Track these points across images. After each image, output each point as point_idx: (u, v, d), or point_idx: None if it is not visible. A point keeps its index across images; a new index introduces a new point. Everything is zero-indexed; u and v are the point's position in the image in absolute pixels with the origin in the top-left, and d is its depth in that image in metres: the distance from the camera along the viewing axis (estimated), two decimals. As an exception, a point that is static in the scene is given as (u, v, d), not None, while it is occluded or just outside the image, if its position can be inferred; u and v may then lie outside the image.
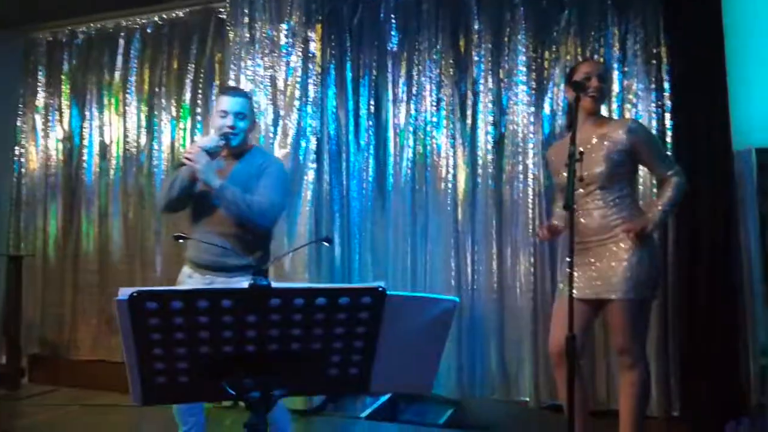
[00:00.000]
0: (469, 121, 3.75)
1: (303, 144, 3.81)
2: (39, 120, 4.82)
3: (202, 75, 4.36)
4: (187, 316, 1.23)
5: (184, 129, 4.40)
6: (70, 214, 4.65)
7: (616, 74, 3.43)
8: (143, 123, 4.51)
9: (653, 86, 3.37)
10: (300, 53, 3.85)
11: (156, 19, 4.54)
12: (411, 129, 3.86)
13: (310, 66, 3.85)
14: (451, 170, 3.75)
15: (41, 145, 4.80)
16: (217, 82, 4.26)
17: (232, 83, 3.93)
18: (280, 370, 1.30)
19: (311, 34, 3.86)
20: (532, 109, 3.61)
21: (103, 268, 4.50)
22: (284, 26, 3.89)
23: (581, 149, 2.20)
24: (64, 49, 4.79)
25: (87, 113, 4.68)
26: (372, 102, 3.97)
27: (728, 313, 3.02)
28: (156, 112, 4.48)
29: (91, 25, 4.71)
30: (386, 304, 1.28)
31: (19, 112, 4.87)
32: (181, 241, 2.22)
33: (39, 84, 4.83)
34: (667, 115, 3.32)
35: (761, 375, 2.44)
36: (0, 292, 4.53)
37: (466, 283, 3.66)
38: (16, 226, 4.80)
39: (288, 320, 1.27)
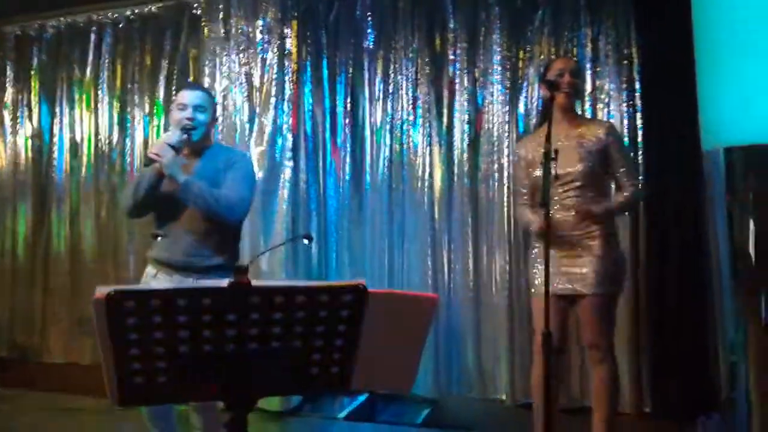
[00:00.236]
0: (445, 119, 3.77)
1: (279, 142, 3.79)
2: (7, 116, 4.72)
3: (175, 71, 4.31)
4: (166, 315, 1.22)
5: (158, 126, 4.34)
6: (40, 214, 4.56)
7: (588, 74, 3.48)
8: (115, 120, 4.45)
9: (624, 86, 3.44)
10: (276, 50, 3.83)
11: (128, 13, 4.47)
12: (387, 127, 3.87)
13: (286, 63, 3.84)
14: (427, 169, 3.77)
15: (9, 143, 4.70)
16: (191, 79, 4.21)
17: (206, 80, 3.89)
18: (261, 370, 1.29)
19: (287, 31, 3.85)
20: (507, 107, 3.64)
21: (75, 268, 4.42)
22: (260, 22, 3.86)
23: (556, 148, 2.23)
24: (33, 43, 4.69)
25: (57, 110, 4.60)
26: (348, 100, 3.96)
27: (698, 310, 3.09)
28: (128, 109, 4.42)
29: (61, 19, 4.61)
30: (367, 301, 1.28)
31: (-13, 108, 4.76)
32: (159, 239, 2.19)
33: (7, 79, 4.73)
34: (638, 115, 3.39)
35: (730, 371, 2.50)
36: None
37: (443, 281, 3.69)
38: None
39: (268, 319, 1.27)
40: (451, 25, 3.76)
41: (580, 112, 3.40)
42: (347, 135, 3.95)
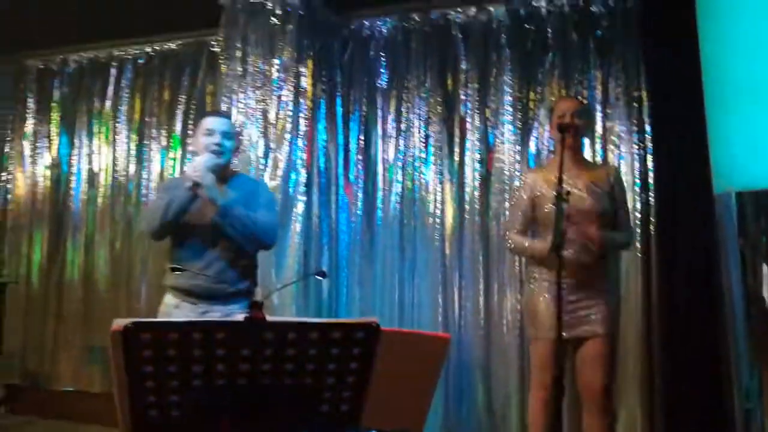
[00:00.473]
0: (456, 157, 3.81)
1: (293, 176, 3.84)
2: (27, 146, 4.82)
3: (193, 106, 4.40)
4: (181, 348, 1.24)
5: (174, 159, 4.42)
6: (56, 242, 4.62)
7: (599, 116, 3.52)
8: (133, 152, 4.53)
9: (635, 128, 3.46)
10: (291, 88, 3.90)
11: (148, 50, 4.59)
12: (400, 164, 3.92)
13: (301, 100, 3.91)
14: (438, 206, 3.80)
15: (29, 172, 4.79)
16: (209, 114, 4.30)
17: (223, 115, 3.97)
18: (272, 405, 1.30)
19: (303, 69, 3.93)
20: (518, 147, 3.68)
21: (88, 296, 4.45)
22: (276, 61, 3.95)
23: (568, 189, 2.25)
24: (55, 76, 4.82)
25: (76, 141, 4.69)
26: (361, 137, 4.03)
27: (711, 355, 3.05)
28: (146, 142, 4.50)
29: (83, 54, 4.74)
30: (380, 339, 1.30)
31: (8, 138, 4.86)
32: (177, 273, 2.20)
33: (28, 111, 4.83)
34: (649, 157, 3.41)
35: (745, 417, 2.46)
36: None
37: (453, 318, 3.67)
38: (0, 253, 4.74)
39: (281, 354, 1.28)
40: (463, 66, 3.83)
41: (591, 153, 3.46)
42: (360, 171, 4.01)
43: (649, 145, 3.42)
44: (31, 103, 4.84)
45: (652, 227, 3.33)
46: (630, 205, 3.33)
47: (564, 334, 2.40)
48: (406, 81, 3.95)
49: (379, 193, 3.95)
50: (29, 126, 4.83)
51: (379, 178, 3.97)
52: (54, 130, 4.77)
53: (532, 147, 3.67)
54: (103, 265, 4.45)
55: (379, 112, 4.01)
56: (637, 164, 3.42)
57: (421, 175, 3.87)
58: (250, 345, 1.26)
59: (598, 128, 3.51)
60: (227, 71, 4.03)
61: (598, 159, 3.47)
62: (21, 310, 4.58)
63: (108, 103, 4.63)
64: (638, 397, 3.18)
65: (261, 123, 3.93)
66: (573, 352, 2.53)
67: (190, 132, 4.38)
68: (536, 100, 3.70)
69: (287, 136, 3.85)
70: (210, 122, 2.46)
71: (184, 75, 4.46)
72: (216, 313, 2.30)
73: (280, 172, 3.83)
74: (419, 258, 3.79)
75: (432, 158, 3.86)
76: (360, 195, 3.99)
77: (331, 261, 3.89)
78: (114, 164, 4.56)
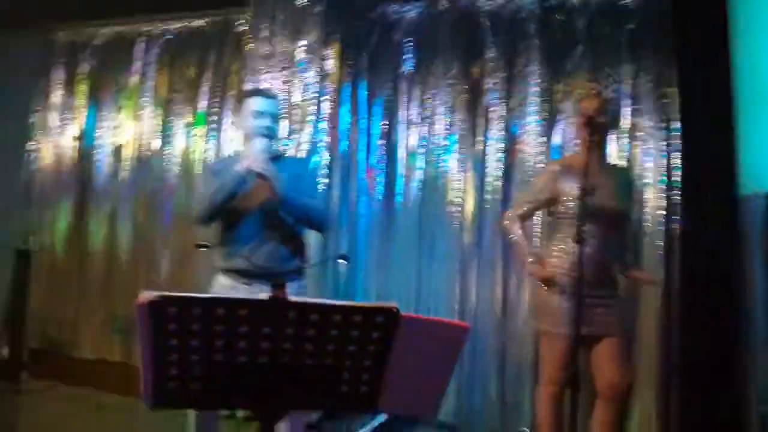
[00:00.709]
0: (479, 147, 3.79)
1: (315, 159, 3.85)
2: (55, 118, 4.88)
3: (218, 84, 4.42)
4: (205, 323, 1.26)
5: (198, 136, 4.46)
6: (80, 212, 4.69)
7: (628, 111, 3.47)
8: (157, 127, 4.57)
9: (663, 125, 3.42)
10: (317, 70, 3.90)
11: (176, 26, 4.61)
12: (422, 151, 3.91)
13: (326, 83, 3.91)
14: (459, 194, 3.79)
15: (55, 143, 4.86)
16: (233, 92, 4.32)
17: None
18: (292, 384, 1.32)
19: (328, 52, 3.93)
20: (543, 139, 3.65)
21: (109, 268, 4.53)
22: (303, 42, 3.95)
23: (594, 185, 2.24)
24: (83, 50, 4.86)
25: (102, 114, 4.74)
26: (385, 122, 4.02)
27: (729, 359, 3.02)
28: (171, 118, 4.54)
29: (112, 28, 4.78)
30: (399, 324, 1.31)
31: (36, 109, 4.92)
32: (204, 249, 2.22)
33: (57, 83, 4.89)
34: (676, 155, 3.36)
35: (762, 421, 2.44)
36: (7, 285, 4.55)
37: (470, 306, 3.68)
38: (26, 221, 4.83)
39: (302, 334, 1.30)
40: (490, 55, 3.80)
41: (617, 148, 3.42)
42: (382, 156, 4.00)
43: (677, 142, 3.37)
44: (59, 75, 4.89)
45: (675, 225, 3.30)
46: (654, 202, 3.31)
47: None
48: (431, 68, 3.93)
49: (401, 180, 3.94)
50: (57, 97, 4.88)
51: (401, 164, 3.96)
52: (81, 102, 4.83)
53: (557, 139, 3.64)
54: (125, 237, 4.52)
55: (404, 98, 3.99)
56: (664, 161, 3.38)
57: (443, 163, 3.86)
58: (272, 323, 1.28)
59: (626, 123, 3.47)
60: (253, 51, 4.04)
61: (624, 154, 3.43)
62: (45, 278, 4.68)
63: (134, 78, 4.66)
64: (653, 397, 3.17)
65: (284, 104, 3.94)
66: (587, 350, 2.52)
67: (214, 110, 4.40)
68: (563, 92, 3.66)
69: (310, 118, 3.86)
70: (259, 103, 2.39)
71: (210, 53, 4.48)
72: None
73: (302, 154, 3.85)
74: (437, 245, 3.79)
75: (455, 146, 3.84)
76: (381, 180, 3.99)
77: (350, 245, 3.90)
78: (139, 138, 4.60)
